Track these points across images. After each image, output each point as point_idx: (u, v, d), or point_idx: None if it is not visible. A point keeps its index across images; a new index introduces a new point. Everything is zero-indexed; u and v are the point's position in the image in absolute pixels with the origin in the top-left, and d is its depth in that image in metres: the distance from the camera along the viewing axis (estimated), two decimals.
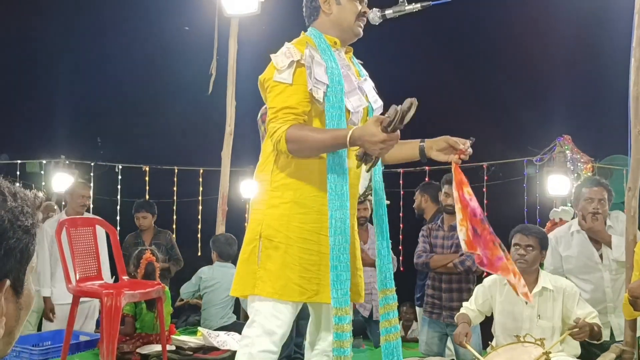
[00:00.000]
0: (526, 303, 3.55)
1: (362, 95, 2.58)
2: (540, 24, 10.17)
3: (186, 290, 5.99)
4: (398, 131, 2.23)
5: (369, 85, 2.66)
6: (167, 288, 4.81)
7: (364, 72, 2.71)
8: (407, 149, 2.65)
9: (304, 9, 2.69)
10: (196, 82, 6.79)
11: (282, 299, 2.43)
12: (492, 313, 3.76)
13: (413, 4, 2.63)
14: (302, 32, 2.68)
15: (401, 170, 8.63)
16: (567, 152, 7.61)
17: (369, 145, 2.26)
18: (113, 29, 10.84)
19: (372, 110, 2.64)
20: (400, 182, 8.52)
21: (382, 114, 2.42)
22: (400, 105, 2.19)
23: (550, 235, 4.09)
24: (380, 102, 2.69)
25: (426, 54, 10.91)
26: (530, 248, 3.57)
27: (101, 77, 11.24)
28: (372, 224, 5.83)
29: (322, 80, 2.43)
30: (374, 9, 2.64)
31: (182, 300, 6.51)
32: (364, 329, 5.63)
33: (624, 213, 3.97)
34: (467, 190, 2.48)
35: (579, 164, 7.58)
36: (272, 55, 2.50)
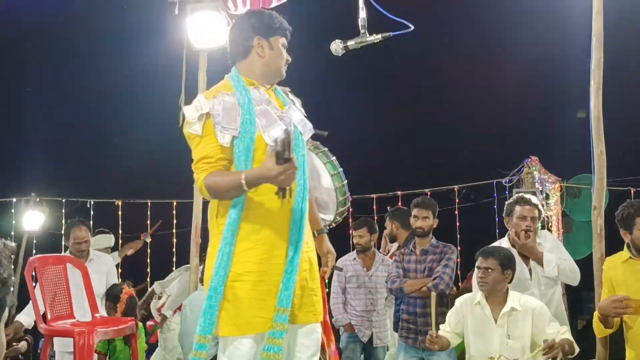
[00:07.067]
0: (495, 322, 3.60)
1: (283, 124, 2.62)
2: (501, 46, 10.41)
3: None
4: (294, 158, 2.33)
5: (293, 111, 2.72)
6: (140, 324, 4.75)
7: (289, 100, 2.78)
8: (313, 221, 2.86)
9: (232, 45, 2.72)
10: (166, 115, 6.79)
11: (245, 334, 2.52)
12: None
13: (374, 35, 2.70)
14: (226, 75, 2.73)
15: (374, 195, 8.70)
16: (535, 172, 7.74)
17: (271, 180, 2.39)
18: (82, 66, 10.83)
19: (300, 133, 2.71)
20: (374, 207, 8.60)
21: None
22: (280, 137, 2.27)
23: None
24: (309, 125, 2.78)
25: (390, 85, 11.09)
26: (490, 270, 3.63)
27: (71, 113, 11.18)
28: (378, 249, 5.89)
29: (230, 126, 2.55)
30: (337, 40, 2.70)
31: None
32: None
33: (549, 232, 4.08)
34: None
35: (547, 184, 7.71)
36: (183, 108, 2.62)
